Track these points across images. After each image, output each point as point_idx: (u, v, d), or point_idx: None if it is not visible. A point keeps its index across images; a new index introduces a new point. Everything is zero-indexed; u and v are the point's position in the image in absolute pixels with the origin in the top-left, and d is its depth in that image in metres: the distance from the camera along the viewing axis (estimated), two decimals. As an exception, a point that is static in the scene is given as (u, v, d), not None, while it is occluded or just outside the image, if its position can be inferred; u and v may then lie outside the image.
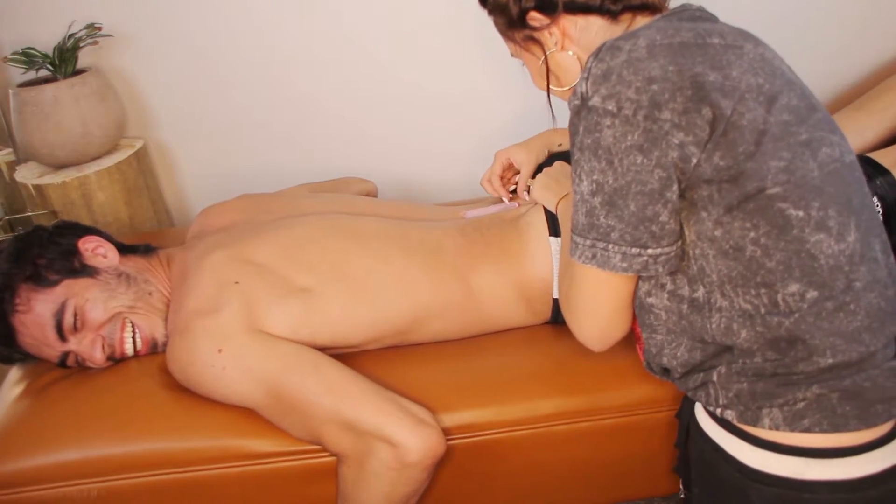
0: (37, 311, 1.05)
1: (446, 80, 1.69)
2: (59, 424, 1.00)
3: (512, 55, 0.98)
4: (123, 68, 1.62)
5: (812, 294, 0.74)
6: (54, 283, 1.07)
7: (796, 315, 0.75)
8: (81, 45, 1.50)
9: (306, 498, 1.03)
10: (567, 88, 0.91)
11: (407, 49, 1.65)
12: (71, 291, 1.07)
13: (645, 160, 0.72)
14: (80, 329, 1.07)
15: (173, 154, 1.74)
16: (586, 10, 0.86)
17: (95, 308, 1.07)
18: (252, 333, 1.00)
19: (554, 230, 1.12)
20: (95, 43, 1.52)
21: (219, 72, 1.64)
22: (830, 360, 0.75)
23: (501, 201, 1.27)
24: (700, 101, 0.71)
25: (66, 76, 1.49)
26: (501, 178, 1.27)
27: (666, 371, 0.88)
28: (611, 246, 0.76)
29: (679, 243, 0.77)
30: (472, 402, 1.02)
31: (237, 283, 1.04)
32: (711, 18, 0.83)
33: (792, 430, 0.76)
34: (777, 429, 0.77)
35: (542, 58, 0.90)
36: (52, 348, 1.07)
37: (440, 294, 1.10)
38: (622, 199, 0.74)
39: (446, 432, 0.98)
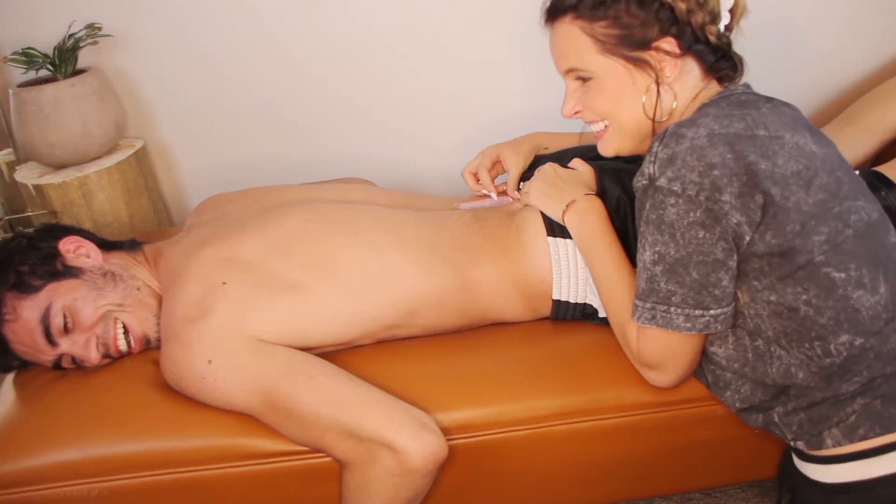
0: (24, 318, 1.05)
1: (448, 76, 1.69)
2: (59, 424, 1.00)
3: (571, 69, 0.96)
4: (123, 68, 1.62)
5: (859, 341, 0.86)
6: (38, 289, 1.05)
7: (845, 355, 0.86)
8: (81, 45, 1.49)
9: (307, 498, 1.03)
10: (660, 121, 0.94)
11: (407, 46, 1.65)
12: (56, 294, 1.06)
13: (707, 234, 0.83)
14: (73, 330, 1.06)
15: (173, 154, 1.74)
16: (703, 57, 0.93)
17: (85, 308, 1.06)
18: (242, 341, 0.98)
19: (551, 230, 1.11)
20: (95, 43, 1.52)
21: (219, 72, 1.64)
22: (867, 376, 0.87)
23: (486, 196, 1.24)
24: (754, 188, 0.82)
25: (66, 76, 1.49)
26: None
27: (724, 398, 0.98)
28: (672, 308, 0.87)
29: (734, 303, 0.88)
30: (471, 401, 1.02)
31: (224, 283, 1.02)
32: (754, 100, 0.91)
33: (852, 442, 0.86)
34: (839, 445, 0.87)
35: (650, 82, 0.92)
36: (44, 353, 1.06)
37: (435, 286, 1.08)
38: (683, 268, 0.84)
39: (445, 432, 0.98)
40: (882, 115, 1.35)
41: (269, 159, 1.75)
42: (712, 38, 0.91)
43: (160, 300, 1.12)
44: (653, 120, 0.94)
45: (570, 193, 1.07)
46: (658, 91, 0.92)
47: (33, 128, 1.47)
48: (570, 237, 1.09)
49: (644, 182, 0.86)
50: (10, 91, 1.49)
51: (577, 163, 1.14)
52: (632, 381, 1.03)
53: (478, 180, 1.26)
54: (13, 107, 1.48)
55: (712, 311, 0.86)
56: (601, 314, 1.12)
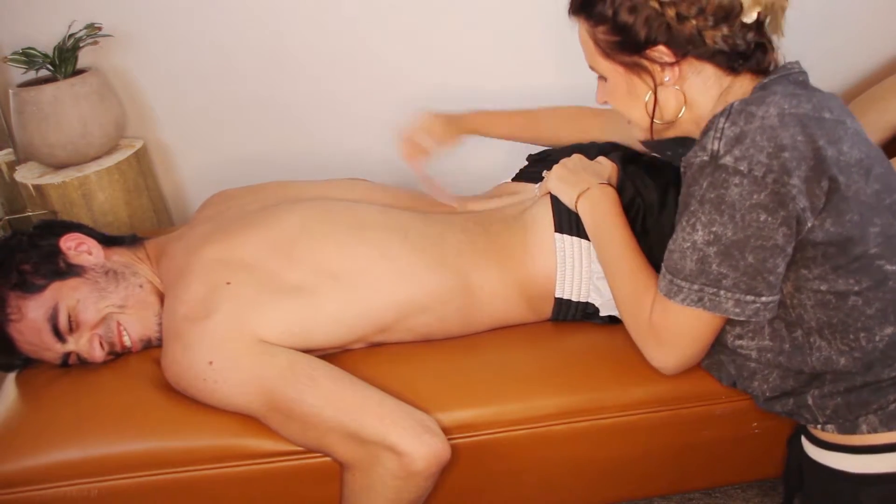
0: (30, 318, 1.05)
1: (450, 75, 1.69)
2: (58, 424, 1.00)
3: (591, 67, 0.96)
4: (123, 68, 1.62)
5: None
6: (42, 288, 1.05)
7: (888, 342, 0.85)
8: (81, 45, 1.50)
9: (306, 498, 1.03)
10: (668, 122, 0.93)
11: (408, 44, 1.65)
12: (60, 294, 1.06)
13: (770, 218, 0.79)
14: (76, 330, 1.06)
15: (173, 154, 1.74)
16: (712, 58, 0.88)
17: (87, 310, 1.06)
18: (244, 342, 0.98)
19: (559, 226, 1.10)
20: (95, 43, 1.52)
21: (219, 71, 1.64)
22: None
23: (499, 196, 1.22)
24: (822, 173, 0.79)
25: (66, 76, 1.49)
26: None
27: (751, 388, 0.96)
28: (723, 292, 0.83)
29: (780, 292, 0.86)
30: (471, 401, 1.02)
31: (228, 283, 1.01)
32: (809, 83, 0.90)
33: (890, 430, 0.85)
34: (875, 432, 0.86)
35: (649, 89, 0.91)
36: (53, 351, 1.07)
37: (438, 290, 1.08)
38: (739, 252, 0.81)
39: (445, 432, 0.98)
40: (880, 113, 1.34)
41: (269, 159, 1.75)
42: (712, 43, 0.86)
43: (162, 297, 1.12)
44: (650, 123, 0.93)
45: (587, 182, 1.07)
46: (655, 97, 0.91)
47: (33, 128, 1.47)
48: (578, 235, 1.09)
49: (704, 158, 0.82)
50: (10, 91, 1.49)
51: (601, 158, 1.16)
52: (632, 380, 1.03)
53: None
54: (13, 107, 1.48)
55: (764, 298, 0.83)
56: (602, 313, 1.11)
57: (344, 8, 1.60)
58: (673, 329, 0.90)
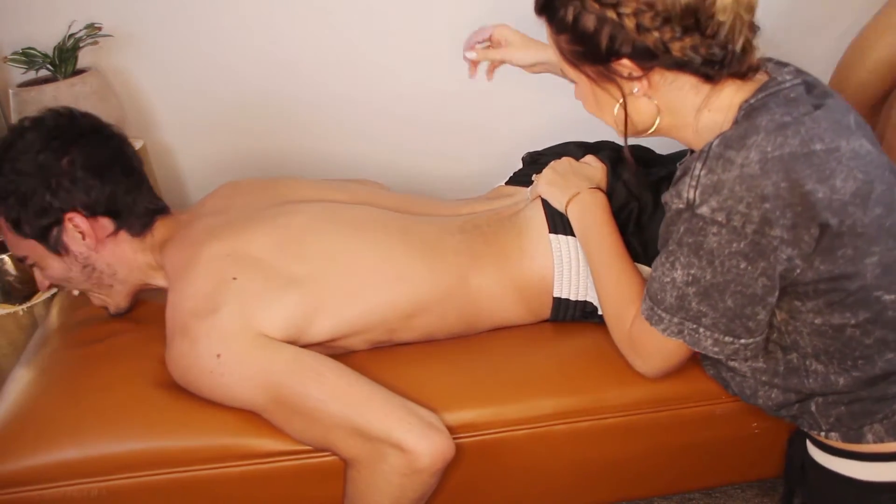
0: (6, 237, 1.11)
1: (451, 77, 1.69)
2: (58, 424, 1.00)
3: (560, 69, 0.91)
4: (123, 68, 1.62)
5: None
6: (25, 236, 1.09)
7: (888, 369, 0.83)
8: (81, 45, 1.50)
9: (306, 498, 1.03)
10: (644, 132, 0.89)
11: (409, 47, 1.65)
12: (35, 253, 1.10)
13: (750, 267, 0.76)
14: (34, 267, 1.14)
15: (173, 154, 1.74)
16: (683, 69, 0.81)
17: (50, 276, 1.13)
18: (251, 336, 0.98)
19: (553, 227, 1.11)
20: (95, 43, 1.52)
21: (219, 72, 1.64)
22: None
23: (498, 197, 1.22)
24: (810, 220, 0.75)
25: (66, 76, 1.49)
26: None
27: (756, 403, 0.95)
28: (702, 329, 0.82)
29: (766, 331, 0.84)
30: (471, 401, 1.02)
31: (235, 279, 1.02)
32: (803, 97, 0.81)
33: None
34: (882, 441, 0.83)
35: (619, 101, 0.85)
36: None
37: (437, 290, 1.09)
38: (718, 294, 0.79)
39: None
40: (888, 50, 1.27)
41: (268, 159, 1.75)
42: (680, 55, 0.79)
43: (141, 285, 1.17)
44: (625, 135, 0.88)
45: (577, 186, 1.08)
46: (625, 109, 0.85)
47: (33, 128, 1.47)
48: (573, 234, 1.10)
49: (680, 206, 0.79)
50: (10, 91, 1.49)
51: (590, 158, 1.16)
52: (632, 381, 1.03)
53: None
54: (13, 107, 1.48)
55: (743, 341, 0.82)
56: (601, 311, 1.12)
57: (344, 8, 1.60)
58: (651, 349, 0.92)
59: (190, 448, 0.98)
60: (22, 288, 1.44)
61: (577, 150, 1.22)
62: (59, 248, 1.09)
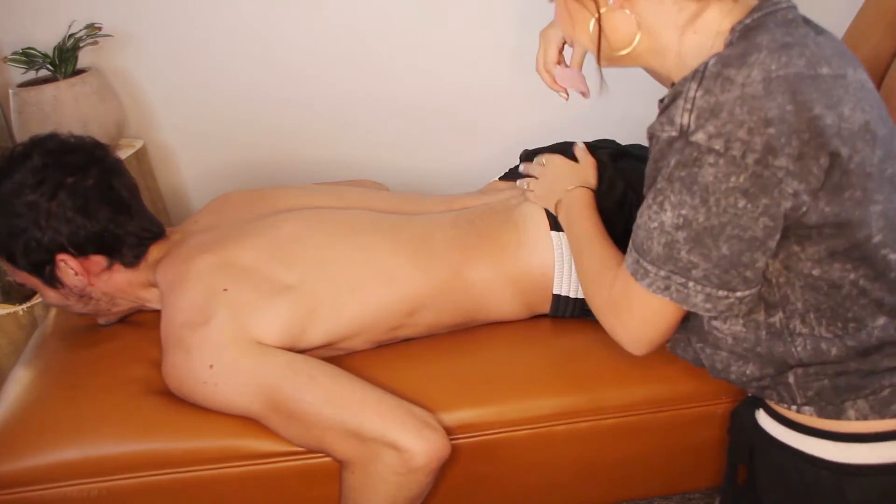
0: (4, 265, 1.11)
1: (450, 77, 1.69)
2: (58, 424, 1.00)
3: None
4: (123, 68, 1.62)
5: None
6: (19, 268, 1.09)
7: (880, 336, 0.75)
8: (81, 45, 1.50)
9: (306, 498, 1.03)
10: (622, 54, 0.79)
11: (408, 46, 1.65)
12: (31, 283, 1.11)
13: (749, 205, 0.67)
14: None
15: (173, 154, 1.74)
16: None
17: (49, 303, 1.15)
18: (243, 345, 0.99)
19: (554, 223, 1.11)
20: (95, 43, 1.52)
21: (219, 72, 1.64)
22: None
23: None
24: (819, 148, 0.66)
25: (66, 76, 1.49)
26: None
27: (729, 379, 0.86)
28: (691, 283, 0.72)
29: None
30: (471, 401, 1.02)
31: (225, 290, 1.03)
32: (799, 20, 0.75)
33: (882, 417, 0.75)
34: (865, 418, 0.76)
35: (595, 16, 0.77)
36: None
37: (432, 288, 1.09)
38: (711, 240, 0.70)
39: (447, 432, 0.98)
40: (878, 40, 1.21)
41: (269, 159, 1.75)
42: None
43: (138, 307, 1.19)
44: (598, 52, 0.79)
45: (562, 192, 1.07)
46: (599, 24, 0.77)
47: (33, 128, 1.47)
48: (558, 229, 1.10)
49: (671, 133, 0.69)
50: (10, 91, 1.49)
51: (579, 153, 1.15)
52: (632, 380, 1.03)
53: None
54: (13, 107, 1.48)
55: (739, 293, 0.72)
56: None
57: (345, 9, 1.60)
58: (635, 312, 0.80)
59: (190, 449, 0.98)
60: (22, 288, 1.44)
61: (567, 151, 1.22)
62: (54, 283, 1.10)
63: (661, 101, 0.75)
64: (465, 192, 1.33)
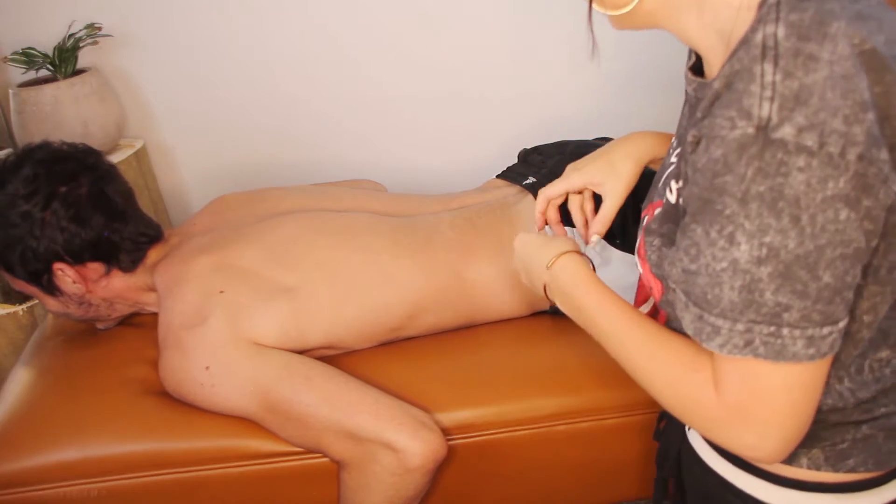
0: (3, 274, 1.12)
1: (449, 76, 1.69)
2: (59, 424, 1.00)
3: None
4: (123, 68, 1.62)
5: None
6: (16, 277, 1.10)
7: (878, 376, 0.64)
8: (81, 45, 1.50)
9: (306, 498, 1.03)
10: (620, 12, 0.64)
11: (409, 46, 1.65)
12: (31, 291, 1.12)
13: (852, 214, 0.52)
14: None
15: (173, 154, 1.74)
16: None
17: (50, 311, 1.15)
18: (239, 346, 0.99)
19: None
20: (95, 43, 1.52)
21: (219, 72, 1.64)
22: (890, 408, 0.65)
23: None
24: None
25: (66, 76, 1.49)
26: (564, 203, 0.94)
27: None
28: (786, 331, 0.55)
29: None
30: (471, 401, 1.02)
31: (222, 291, 1.03)
32: None
33: (836, 471, 0.66)
34: (818, 469, 0.66)
35: None
36: None
37: (431, 288, 1.09)
38: (807, 271, 0.53)
39: (445, 432, 0.98)
40: None
41: (268, 159, 1.75)
42: None
43: (137, 310, 1.19)
44: (590, 15, 0.65)
45: (541, 270, 0.83)
46: None
47: (33, 128, 1.47)
48: (572, 225, 1.06)
49: (749, 131, 0.53)
50: (10, 91, 1.49)
51: (554, 229, 0.96)
52: (632, 381, 1.02)
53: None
54: (13, 107, 1.48)
55: (841, 324, 0.56)
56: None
57: (346, 10, 1.60)
58: (769, 394, 0.58)
59: (189, 449, 0.98)
60: (22, 288, 1.44)
61: (575, 149, 1.21)
62: (53, 291, 1.10)
63: (692, 71, 0.61)
64: (458, 190, 1.33)
